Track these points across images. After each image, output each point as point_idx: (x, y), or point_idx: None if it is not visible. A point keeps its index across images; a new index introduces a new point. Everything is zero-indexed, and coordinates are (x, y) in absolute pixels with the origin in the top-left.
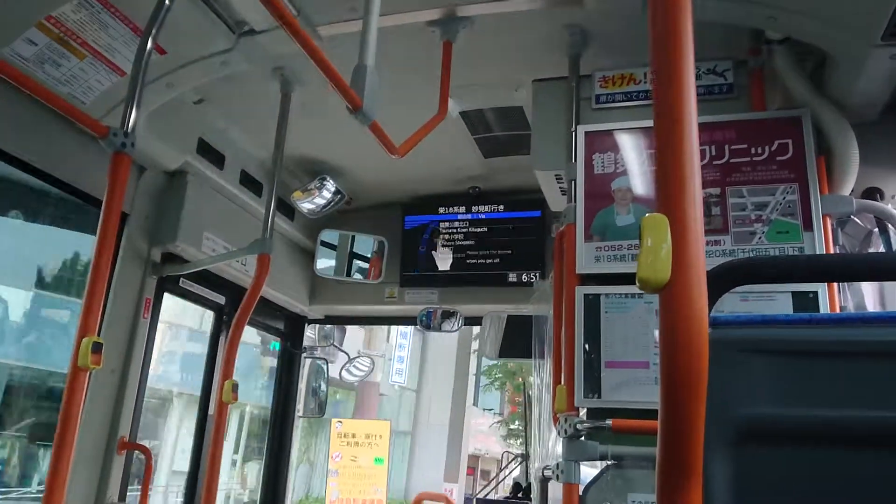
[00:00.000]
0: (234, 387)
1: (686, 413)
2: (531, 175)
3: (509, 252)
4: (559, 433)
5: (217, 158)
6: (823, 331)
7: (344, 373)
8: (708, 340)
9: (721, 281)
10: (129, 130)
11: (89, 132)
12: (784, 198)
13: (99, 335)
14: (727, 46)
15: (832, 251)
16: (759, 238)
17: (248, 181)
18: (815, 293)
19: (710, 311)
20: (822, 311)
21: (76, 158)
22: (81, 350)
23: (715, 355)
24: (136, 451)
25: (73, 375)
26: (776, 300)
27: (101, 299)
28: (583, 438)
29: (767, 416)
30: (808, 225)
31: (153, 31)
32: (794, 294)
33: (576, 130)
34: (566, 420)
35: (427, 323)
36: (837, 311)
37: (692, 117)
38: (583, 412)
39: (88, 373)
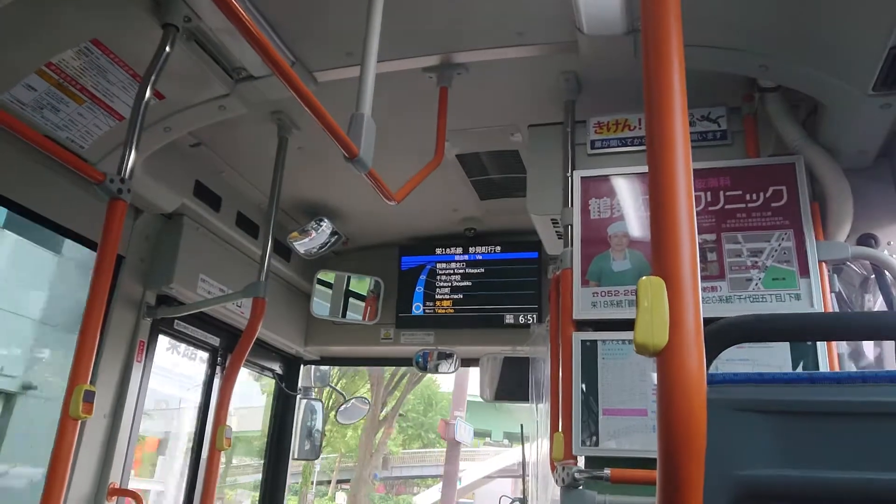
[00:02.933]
0: (228, 432)
1: (684, 474)
2: (527, 217)
3: (506, 293)
4: (556, 482)
5: (213, 201)
6: (824, 389)
7: (339, 416)
8: (706, 401)
9: (719, 339)
10: (125, 176)
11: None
12: (779, 244)
13: (92, 380)
14: (721, 93)
15: (829, 298)
16: (756, 284)
17: (244, 223)
18: (814, 342)
19: (707, 368)
20: (820, 357)
21: (72, 202)
22: (73, 399)
23: (713, 415)
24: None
25: (64, 424)
26: (773, 347)
27: (94, 344)
28: (581, 488)
29: (767, 477)
30: (804, 271)
31: (152, 78)
32: (792, 342)
33: (571, 175)
34: (563, 469)
35: (423, 364)
36: (835, 357)
37: (687, 180)
38: (581, 460)
39: (79, 422)
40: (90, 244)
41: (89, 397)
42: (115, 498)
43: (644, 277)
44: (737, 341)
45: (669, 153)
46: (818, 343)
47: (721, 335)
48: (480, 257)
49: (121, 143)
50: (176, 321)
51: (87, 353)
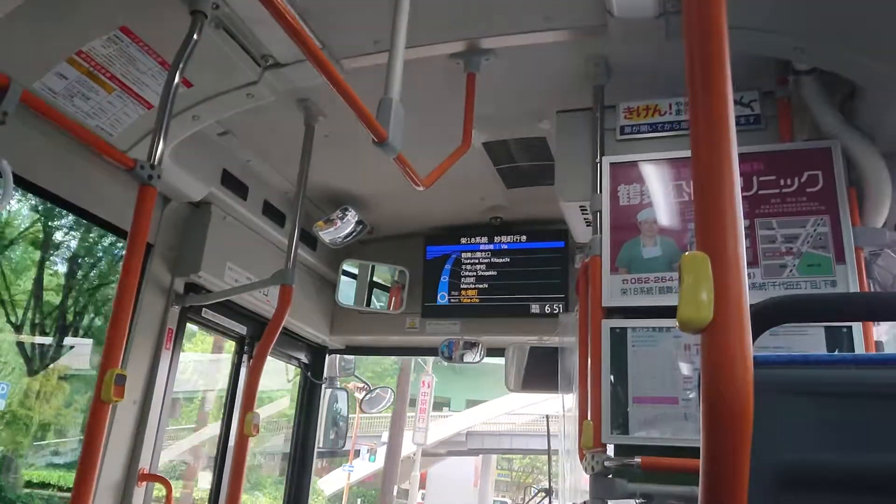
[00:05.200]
0: (256, 419)
1: (730, 457)
2: (554, 205)
3: (532, 283)
4: (586, 470)
5: (240, 189)
6: (870, 372)
7: (364, 404)
8: (752, 379)
9: (764, 319)
10: (155, 163)
11: (116, 164)
12: (815, 230)
13: (122, 366)
14: (753, 77)
15: (866, 285)
16: (790, 271)
17: (270, 212)
18: (850, 328)
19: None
20: (856, 346)
21: (102, 190)
22: (105, 383)
23: (757, 397)
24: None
25: (96, 408)
26: (808, 334)
27: (125, 330)
28: (610, 476)
29: (813, 461)
30: (840, 258)
31: (180, 65)
32: (828, 329)
33: (601, 162)
34: (593, 457)
35: (448, 354)
36: (873, 346)
37: (732, 153)
38: (610, 448)
39: (111, 405)
40: (120, 232)
41: (120, 381)
42: (144, 483)
43: (687, 253)
44: (779, 321)
45: (717, 126)
46: (854, 329)
47: (764, 315)
48: (506, 246)
49: (149, 131)
50: (203, 309)
51: (118, 338)
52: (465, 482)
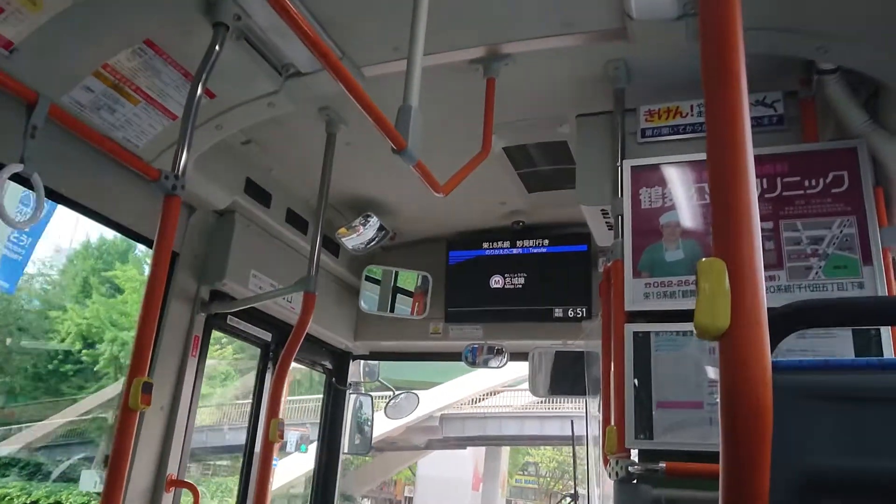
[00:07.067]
0: (281, 425)
1: (750, 464)
2: (576, 209)
3: (555, 287)
4: (610, 475)
5: (264, 197)
6: (892, 377)
7: (388, 410)
8: (771, 386)
9: (783, 324)
10: (179, 173)
11: (142, 175)
12: (841, 231)
13: (149, 373)
14: (776, 77)
15: (894, 286)
16: (816, 273)
17: (293, 219)
18: (878, 331)
19: (773, 354)
20: (885, 350)
21: (128, 200)
22: (132, 391)
23: (778, 402)
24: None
25: (124, 415)
26: (835, 337)
27: (151, 339)
28: (635, 482)
29: (833, 466)
30: (867, 259)
31: (203, 76)
32: (855, 331)
33: (622, 165)
34: (617, 462)
35: (472, 359)
36: None
37: (748, 156)
38: (634, 454)
39: (139, 413)
40: (146, 241)
41: (147, 389)
42: (172, 489)
43: (703, 259)
44: (805, 326)
45: (731, 132)
46: (882, 333)
47: (788, 319)
48: (528, 251)
49: (174, 141)
50: (228, 317)
51: (144, 346)
52: (461, 484)
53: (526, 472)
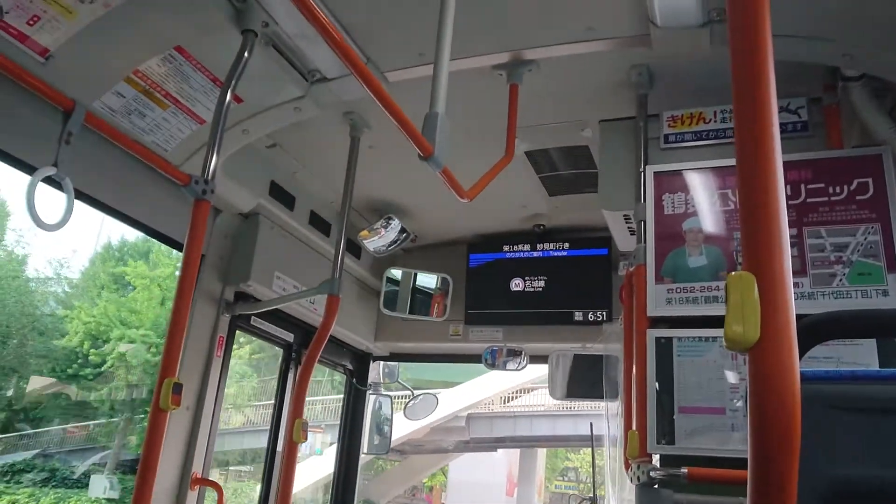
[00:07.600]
0: (305, 426)
1: (778, 473)
2: (597, 213)
3: (575, 290)
4: (631, 480)
5: (288, 200)
6: None
7: (407, 410)
8: (799, 398)
9: (811, 336)
10: (209, 178)
11: (171, 179)
12: (865, 238)
13: (177, 375)
14: (800, 83)
15: None
16: (840, 280)
17: (316, 222)
18: None
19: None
20: None
21: (157, 202)
22: (163, 391)
23: (806, 412)
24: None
25: (154, 415)
26: (861, 345)
27: (181, 340)
28: (656, 487)
29: (862, 476)
30: (892, 266)
31: (233, 82)
32: (881, 340)
33: (644, 171)
34: (639, 467)
35: (492, 361)
36: None
37: (777, 168)
38: (656, 458)
39: (168, 412)
40: (174, 244)
41: (177, 389)
42: (196, 487)
43: (734, 273)
44: (832, 337)
45: (759, 143)
46: None
47: (815, 330)
48: (549, 254)
49: (201, 145)
50: (252, 318)
51: (175, 347)
52: (495, 489)
53: (566, 478)
